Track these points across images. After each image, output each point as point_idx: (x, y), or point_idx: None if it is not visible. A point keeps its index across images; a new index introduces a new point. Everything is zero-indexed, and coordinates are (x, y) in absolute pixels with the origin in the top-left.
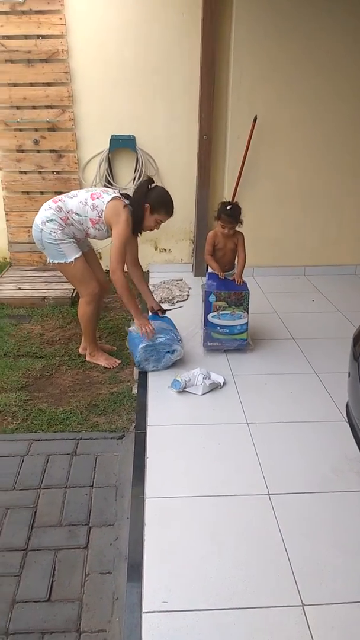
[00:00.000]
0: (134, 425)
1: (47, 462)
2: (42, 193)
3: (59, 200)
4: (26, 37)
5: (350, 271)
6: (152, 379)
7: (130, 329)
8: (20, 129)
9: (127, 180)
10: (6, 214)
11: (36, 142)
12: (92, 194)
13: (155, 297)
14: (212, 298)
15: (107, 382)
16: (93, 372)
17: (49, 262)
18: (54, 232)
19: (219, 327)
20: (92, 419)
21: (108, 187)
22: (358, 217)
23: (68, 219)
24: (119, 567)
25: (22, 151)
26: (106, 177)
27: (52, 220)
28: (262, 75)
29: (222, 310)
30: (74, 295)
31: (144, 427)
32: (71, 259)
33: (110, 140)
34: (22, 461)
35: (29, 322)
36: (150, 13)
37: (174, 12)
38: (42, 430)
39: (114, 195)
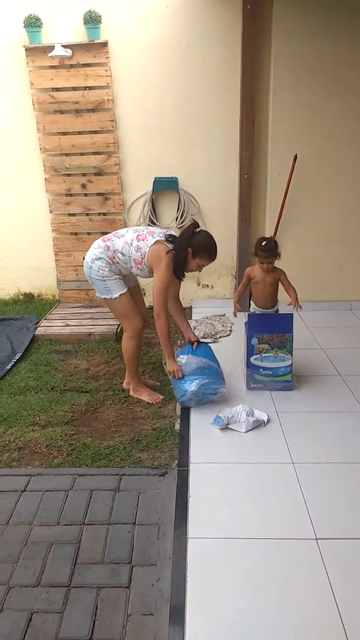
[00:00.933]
0: (176, 462)
1: (90, 498)
2: (89, 234)
3: (108, 239)
4: (74, 88)
5: None
6: (195, 416)
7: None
8: (68, 175)
9: (170, 220)
10: (55, 254)
11: (84, 186)
12: (138, 235)
13: (197, 333)
14: (254, 341)
15: (150, 417)
16: (136, 407)
17: (97, 297)
18: (102, 270)
19: (261, 369)
20: (135, 454)
21: (152, 226)
22: None
23: (114, 257)
24: (161, 608)
25: (71, 195)
26: (150, 217)
27: (100, 258)
28: (302, 118)
29: (264, 353)
30: (118, 330)
31: (186, 464)
32: (116, 295)
33: (154, 182)
34: (67, 496)
35: (75, 357)
36: (189, 65)
37: (213, 63)
38: (86, 465)
39: (158, 238)
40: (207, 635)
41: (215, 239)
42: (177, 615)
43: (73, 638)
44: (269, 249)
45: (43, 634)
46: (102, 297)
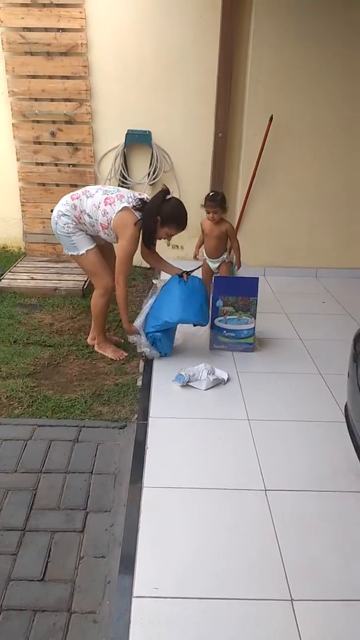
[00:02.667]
0: (136, 416)
1: (49, 448)
2: (57, 185)
3: (77, 197)
4: (46, 29)
5: None
6: (157, 372)
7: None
8: (37, 121)
9: (142, 175)
10: (22, 205)
11: (53, 134)
12: (107, 198)
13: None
14: (219, 303)
15: (112, 373)
16: (100, 363)
17: (64, 253)
18: (67, 226)
19: (225, 331)
20: (96, 408)
21: (124, 182)
22: None
23: (81, 218)
24: (113, 552)
25: (39, 143)
26: (121, 171)
27: (66, 215)
28: (281, 76)
29: (229, 315)
30: (85, 287)
31: (146, 418)
32: (82, 252)
33: (126, 135)
34: (25, 445)
35: (40, 311)
36: (168, 13)
37: (193, 13)
38: (47, 417)
39: (126, 204)
40: (156, 576)
41: (185, 206)
42: (128, 558)
43: (25, 578)
44: (215, 199)
45: None
46: (69, 253)
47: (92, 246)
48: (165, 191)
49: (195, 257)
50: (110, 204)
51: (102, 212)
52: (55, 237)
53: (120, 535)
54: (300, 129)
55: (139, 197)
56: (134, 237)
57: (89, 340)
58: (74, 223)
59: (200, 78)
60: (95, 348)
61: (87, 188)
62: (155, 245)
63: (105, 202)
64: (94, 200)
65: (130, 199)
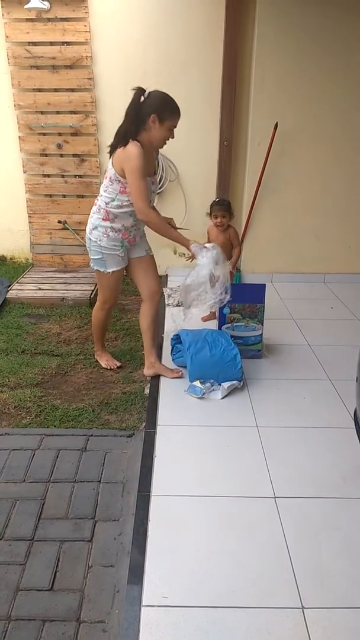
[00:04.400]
0: (144, 424)
1: (57, 457)
2: (64, 196)
3: (96, 202)
4: (51, 43)
5: None
6: (165, 381)
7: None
8: (44, 134)
9: None
10: (29, 216)
11: (59, 146)
12: (105, 177)
13: (172, 300)
14: (226, 310)
15: (120, 381)
16: (107, 372)
17: (91, 267)
18: (100, 240)
19: (232, 338)
20: (104, 416)
21: None
22: None
23: (108, 213)
24: (122, 561)
25: (46, 155)
26: None
27: (96, 227)
28: (285, 83)
29: (236, 322)
30: (92, 296)
31: (154, 426)
32: (109, 270)
33: None
34: (33, 455)
35: (47, 321)
36: (172, 24)
37: (196, 24)
38: (54, 426)
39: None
40: (165, 585)
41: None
42: (137, 567)
43: (34, 588)
44: (223, 204)
45: (5, 584)
46: (95, 268)
47: (119, 268)
48: (139, 90)
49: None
50: (107, 175)
51: (110, 181)
52: (60, 249)
53: (129, 544)
54: (305, 136)
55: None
56: (136, 152)
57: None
58: (106, 233)
59: (204, 88)
60: (95, 356)
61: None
62: (158, 153)
63: (105, 177)
64: (104, 187)
65: None
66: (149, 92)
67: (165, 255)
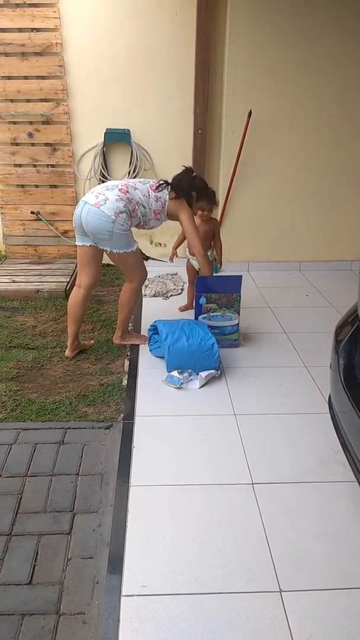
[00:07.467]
0: (122, 415)
1: (34, 451)
2: (37, 186)
3: (127, 192)
4: (20, 30)
5: (345, 267)
6: (142, 371)
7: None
8: (14, 122)
9: (122, 174)
10: (1, 207)
11: (31, 135)
12: (150, 185)
13: (149, 291)
14: (202, 300)
15: (97, 373)
16: (84, 364)
17: (112, 252)
18: (125, 224)
19: (209, 328)
20: (81, 409)
21: (104, 181)
22: (354, 214)
23: (134, 210)
24: (101, 552)
25: (17, 144)
26: (101, 170)
27: (123, 212)
28: (258, 70)
29: (212, 312)
30: (67, 287)
31: (132, 417)
32: (134, 247)
33: (105, 134)
34: (10, 449)
35: (22, 314)
36: (143, 10)
37: (168, 11)
38: (31, 420)
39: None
40: (144, 574)
41: None
42: (116, 557)
43: (12, 582)
44: (215, 198)
45: None
46: (122, 251)
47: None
48: (190, 169)
49: (172, 259)
50: (156, 189)
51: (155, 199)
52: (34, 240)
53: (108, 535)
54: (280, 123)
55: (162, 180)
56: (190, 212)
57: (114, 340)
58: (130, 219)
59: (177, 75)
60: (118, 342)
61: (125, 182)
62: None
63: (151, 188)
64: (141, 190)
65: (154, 180)
66: (196, 174)
67: (141, 245)
